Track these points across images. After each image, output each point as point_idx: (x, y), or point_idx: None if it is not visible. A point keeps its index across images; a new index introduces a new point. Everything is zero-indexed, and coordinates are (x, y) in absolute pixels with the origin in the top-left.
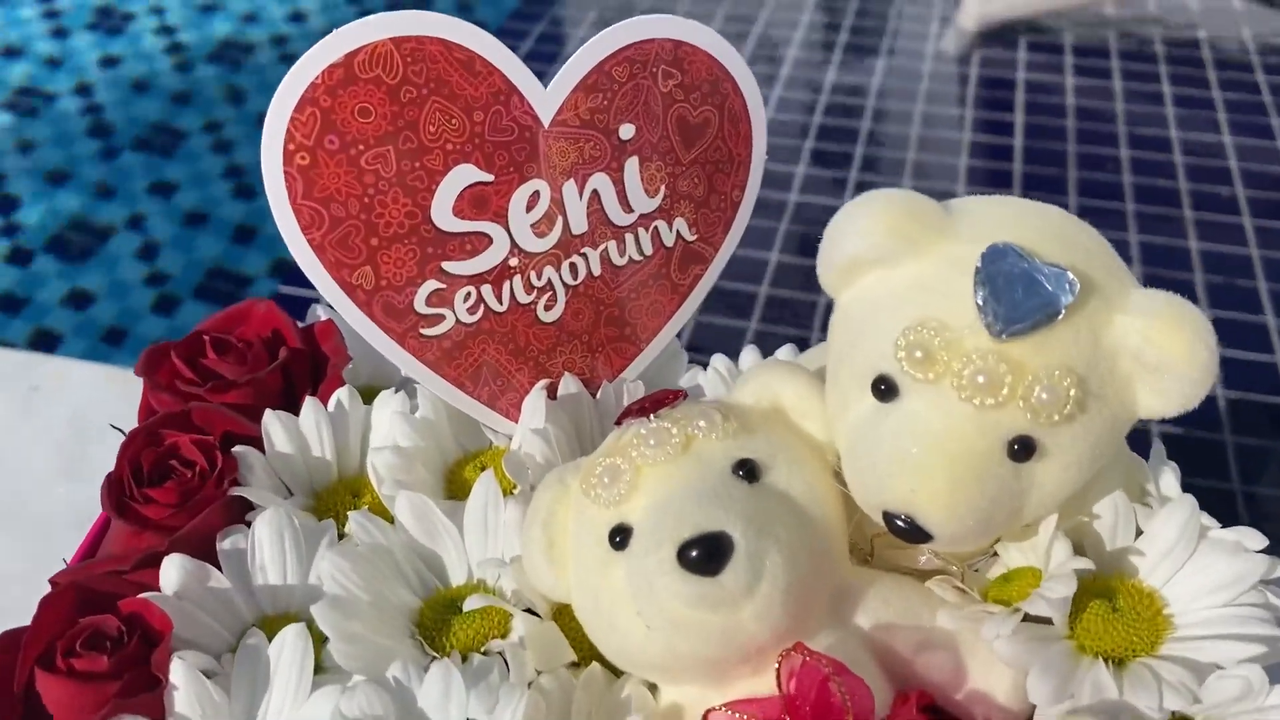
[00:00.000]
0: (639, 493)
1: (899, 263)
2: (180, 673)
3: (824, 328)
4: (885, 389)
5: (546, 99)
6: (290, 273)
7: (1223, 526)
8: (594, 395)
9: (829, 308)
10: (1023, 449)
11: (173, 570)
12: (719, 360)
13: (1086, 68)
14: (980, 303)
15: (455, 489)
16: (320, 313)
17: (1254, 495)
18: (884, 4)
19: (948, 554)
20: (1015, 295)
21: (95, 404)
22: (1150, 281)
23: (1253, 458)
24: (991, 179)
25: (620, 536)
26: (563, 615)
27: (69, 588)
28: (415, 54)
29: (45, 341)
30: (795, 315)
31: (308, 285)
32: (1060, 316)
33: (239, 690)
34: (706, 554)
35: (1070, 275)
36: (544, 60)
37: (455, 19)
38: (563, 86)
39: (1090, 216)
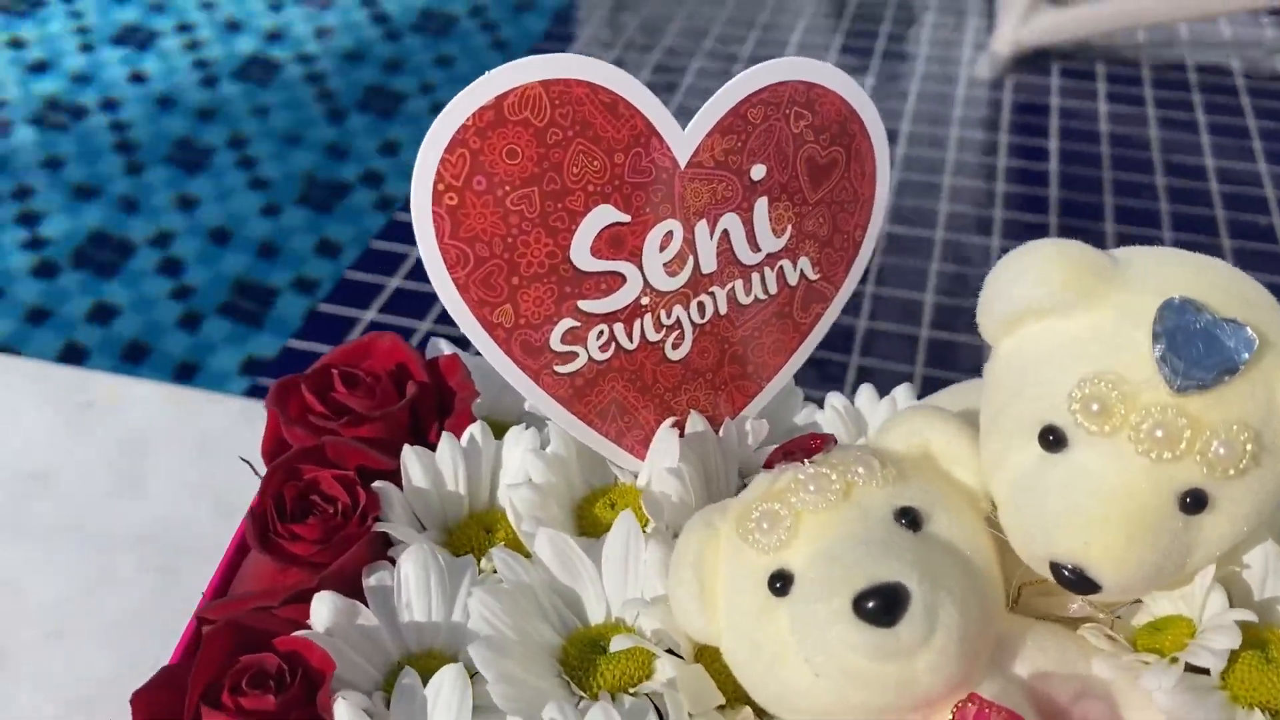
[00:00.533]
0: (800, 539)
1: (1070, 314)
2: (345, 714)
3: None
4: (1054, 440)
5: (684, 141)
6: (334, 291)
7: None
8: (716, 432)
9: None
10: (1195, 502)
11: (324, 608)
12: (835, 398)
13: (1120, 94)
14: (1159, 357)
15: (584, 525)
16: (443, 347)
17: None
18: (918, 29)
19: (1098, 602)
20: (1195, 350)
21: (149, 422)
22: None
23: None
24: (1027, 204)
25: (781, 582)
26: (704, 656)
27: (227, 626)
28: (562, 97)
29: (73, 355)
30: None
31: (350, 303)
32: (1239, 372)
33: None
34: (884, 605)
35: (1248, 331)
36: None
37: (602, 62)
38: (700, 129)
39: (1128, 243)
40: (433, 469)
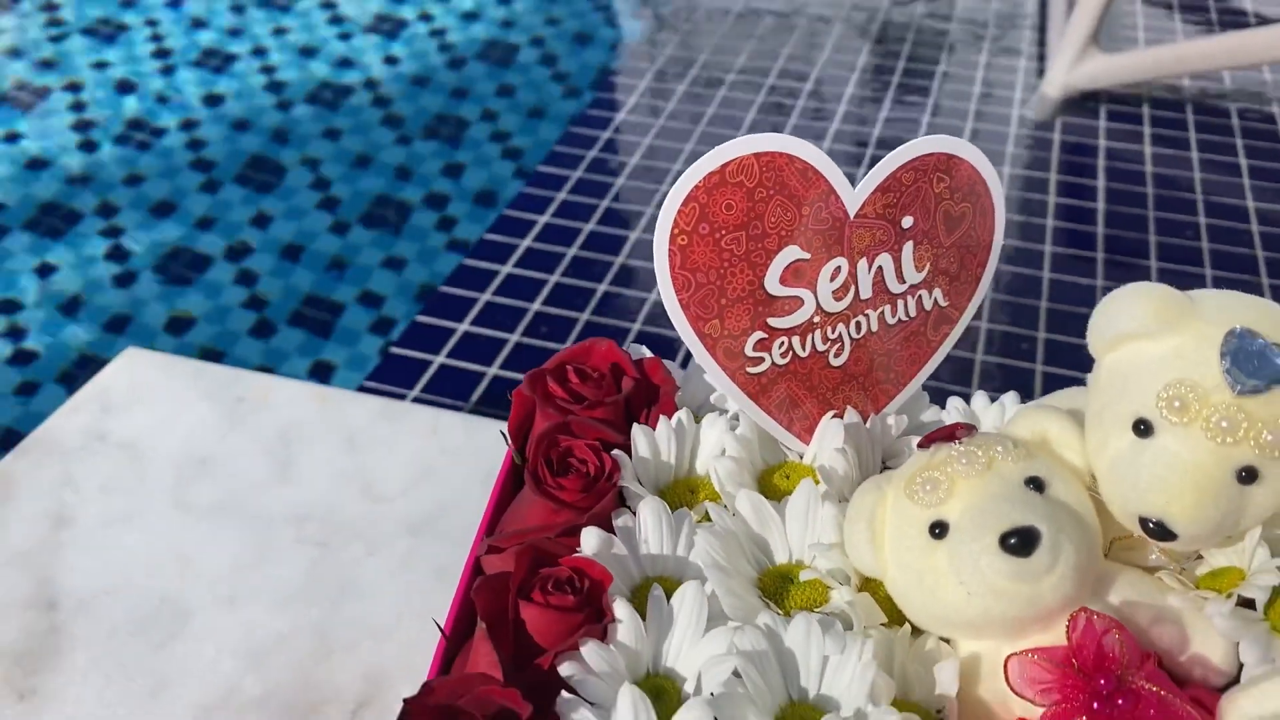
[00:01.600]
0: (954, 498)
1: (1158, 338)
2: (622, 610)
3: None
4: (1144, 429)
5: (854, 198)
6: (429, 302)
7: None
8: (865, 423)
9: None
10: (1248, 476)
11: (592, 539)
12: (955, 401)
13: (1164, 137)
14: (1226, 369)
15: (765, 491)
16: (646, 351)
17: None
18: (972, 71)
19: (1169, 552)
20: (1252, 365)
21: (297, 416)
22: None
23: None
24: (1075, 240)
25: (940, 529)
26: (867, 587)
27: (528, 547)
28: (768, 164)
29: None
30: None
31: (445, 315)
32: None
33: (651, 628)
34: (1022, 542)
35: None
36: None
37: (799, 139)
38: (866, 188)
39: (1170, 279)
40: (653, 443)
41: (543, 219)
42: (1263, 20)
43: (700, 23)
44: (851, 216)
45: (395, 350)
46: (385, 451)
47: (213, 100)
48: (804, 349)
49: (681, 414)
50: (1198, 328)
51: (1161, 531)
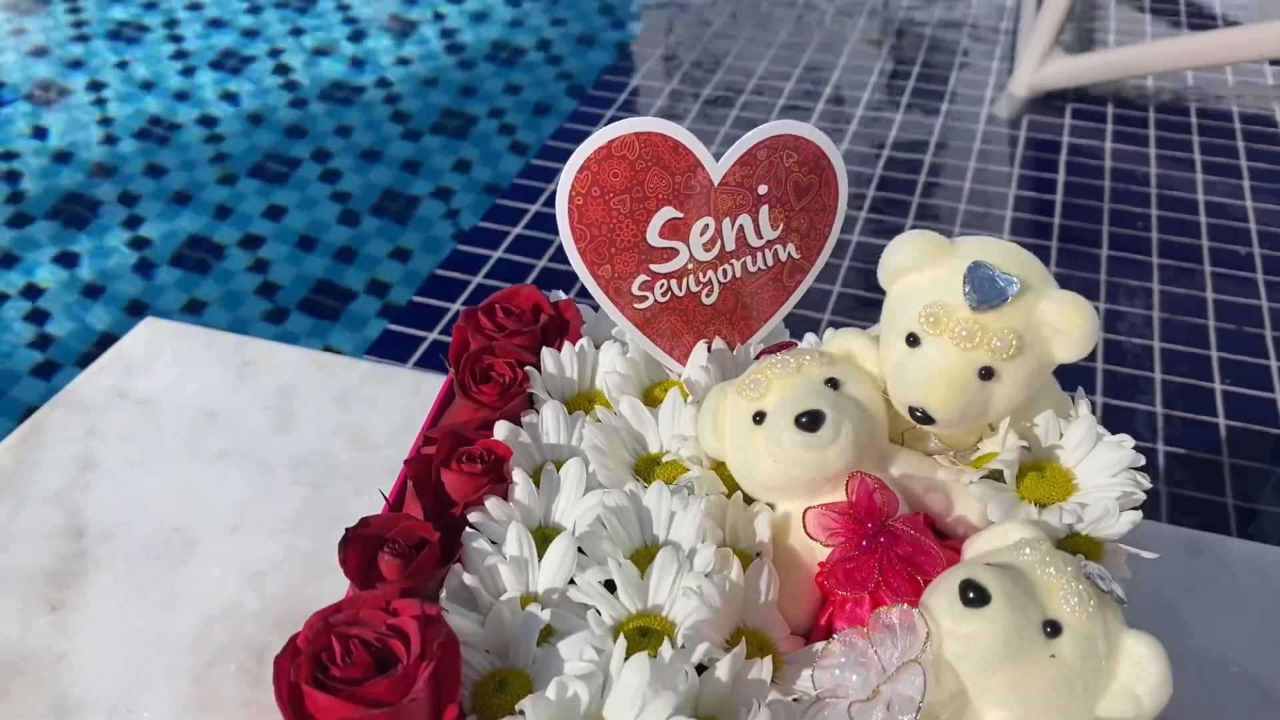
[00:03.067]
0: (771, 394)
1: (924, 271)
2: (519, 476)
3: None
4: (913, 340)
5: (717, 169)
6: (426, 283)
7: (1217, 532)
8: (731, 351)
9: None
10: (987, 373)
11: (502, 428)
12: (809, 337)
13: (1125, 134)
14: (966, 292)
15: (648, 401)
16: (560, 295)
17: (1243, 509)
18: (945, 70)
19: (946, 441)
20: (985, 289)
21: (295, 377)
22: (1168, 324)
23: (1246, 476)
24: (1033, 229)
25: (759, 417)
26: (717, 470)
27: (449, 432)
28: (646, 142)
29: None
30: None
31: (440, 296)
32: (1009, 301)
33: (542, 491)
34: (810, 421)
35: (1015, 279)
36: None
37: (671, 122)
38: (727, 162)
39: (1118, 266)
40: (559, 362)
41: (534, 207)
42: (1229, 22)
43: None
44: (716, 184)
45: (392, 328)
46: (373, 408)
47: (229, 98)
48: (680, 290)
49: (584, 341)
50: (951, 263)
51: (924, 417)
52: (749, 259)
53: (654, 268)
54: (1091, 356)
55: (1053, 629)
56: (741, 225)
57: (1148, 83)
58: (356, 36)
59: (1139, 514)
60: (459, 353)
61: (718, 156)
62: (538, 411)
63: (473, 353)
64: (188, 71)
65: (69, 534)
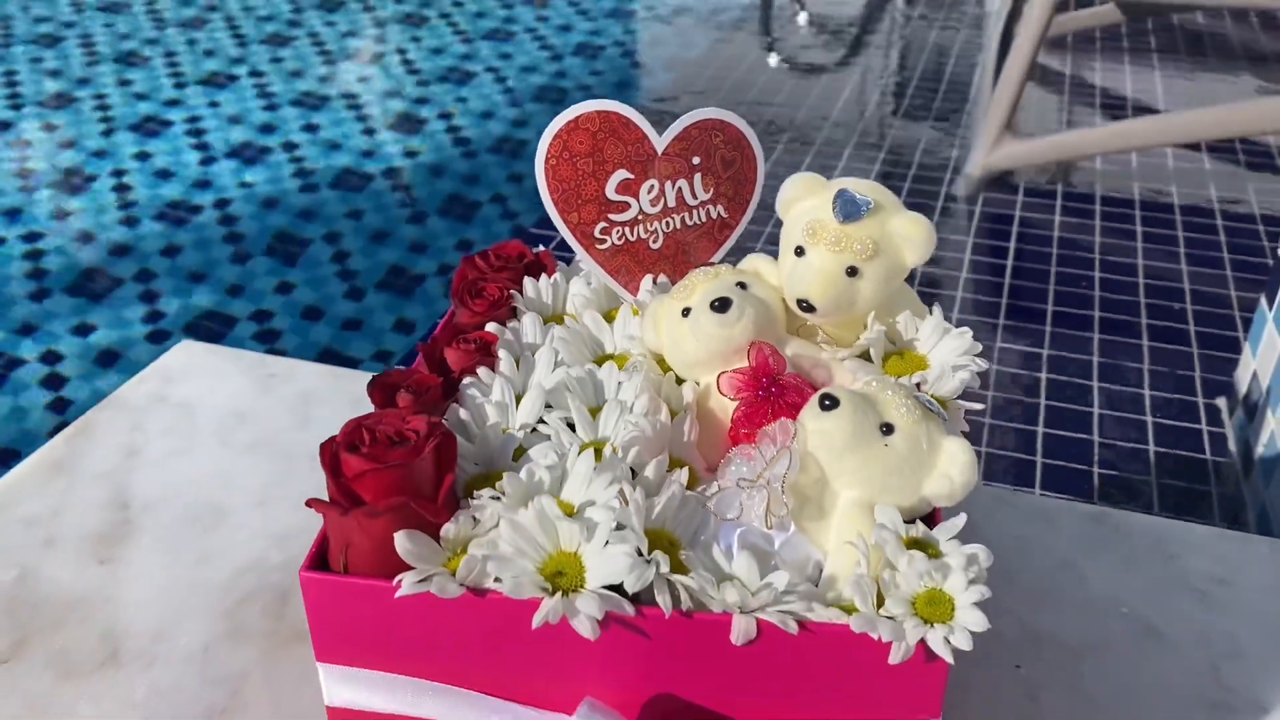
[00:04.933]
0: (695, 294)
1: (805, 200)
2: (503, 354)
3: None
4: (799, 252)
5: (660, 142)
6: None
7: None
8: (672, 284)
9: None
10: (853, 271)
11: (491, 327)
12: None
13: (1073, 209)
14: (834, 209)
15: (607, 319)
16: (542, 248)
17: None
18: (910, 154)
19: (832, 336)
20: (848, 207)
21: (316, 387)
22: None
23: (1168, 493)
24: (984, 288)
25: (686, 311)
26: (657, 362)
27: (452, 328)
28: (604, 118)
29: None
30: None
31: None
32: (865, 215)
33: (522, 369)
34: (721, 305)
35: (871, 200)
36: None
37: (624, 104)
38: (667, 137)
39: (1063, 320)
40: (537, 290)
41: None
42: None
43: None
44: (659, 153)
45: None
46: None
47: (245, 185)
48: (633, 236)
49: (558, 275)
50: (826, 193)
51: (808, 307)
52: (686, 215)
53: (612, 216)
54: (1035, 392)
55: (887, 429)
56: (680, 187)
57: (1095, 164)
58: (368, 132)
59: (967, 374)
60: (459, 282)
61: (660, 132)
62: (520, 321)
63: (469, 280)
64: (206, 162)
65: (115, 506)
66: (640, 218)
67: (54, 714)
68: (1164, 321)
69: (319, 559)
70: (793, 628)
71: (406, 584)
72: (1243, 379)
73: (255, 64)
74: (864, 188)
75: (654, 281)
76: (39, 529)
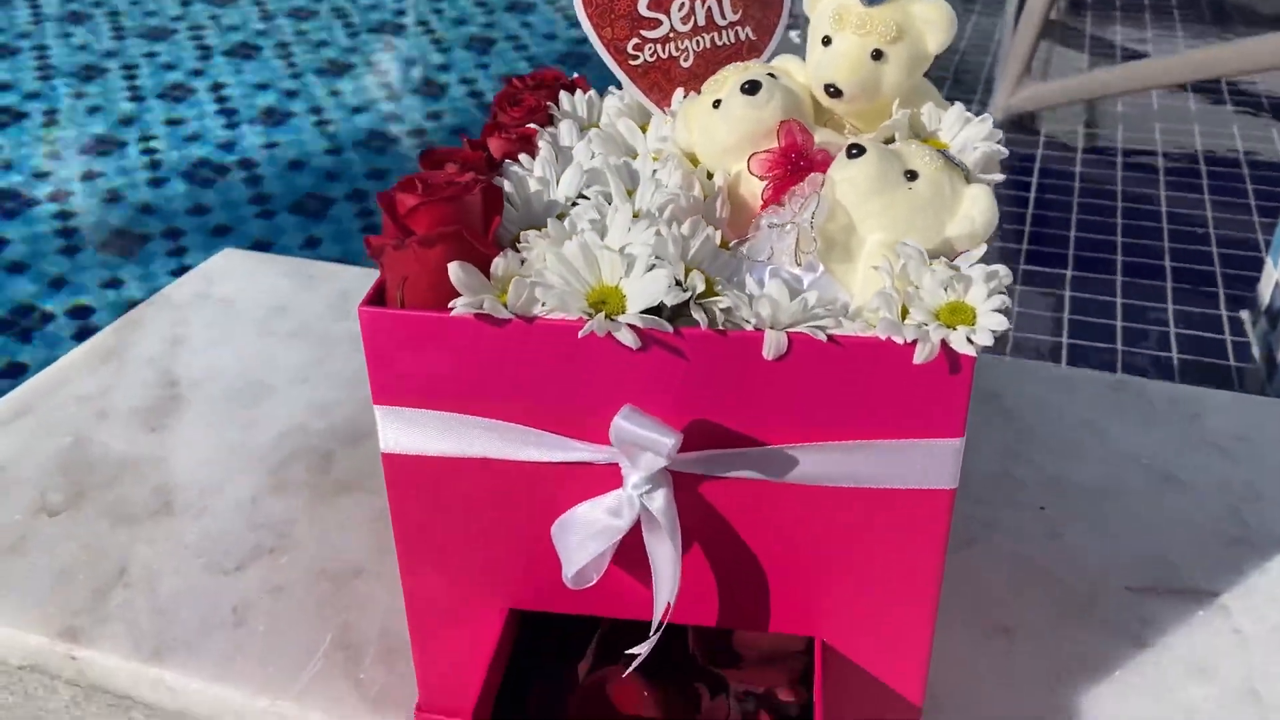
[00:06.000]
0: (726, 86)
1: None
2: (543, 140)
3: None
4: (826, 41)
5: None
6: None
7: None
8: None
9: None
10: (877, 55)
11: (533, 128)
12: None
13: (1092, 148)
14: None
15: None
16: (577, 74)
17: None
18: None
19: (859, 128)
20: None
21: (355, 286)
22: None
23: None
24: (1005, 219)
25: (717, 103)
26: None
27: (495, 124)
28: None
29: None
30: None
31: None
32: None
33: (560, 162)
34: (751, 87)
35: None
36: None
37: None
38: None
39: (1085, 263)
40: (573, 101)
41: None
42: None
43: None
44: None
45: None
46: None
47: (271, 146)
48: (664, 53)
49: (591, 93)
50: None
51: (835, 91)
52: (715, 35)
53: (644, 33)
54: (1057, 330)
55: (911, 175)
56: (710, 6)
57: (1117, 106)
58: (393, 97)
59: (990, 148)
60: (498, 98)
61: None
62: (557, 128)
63: (508, 92)
64: (231, 127)
65: (163, 384)
66: (671, 35)
67: (112, 554)
68: (1186, 245)
69: (377, 298)
70: (821, 336)
71: (459, 306)
72: (1265, 291)
73: (280, 37)
74: None
75: (684, 96)
76: (91, 404)
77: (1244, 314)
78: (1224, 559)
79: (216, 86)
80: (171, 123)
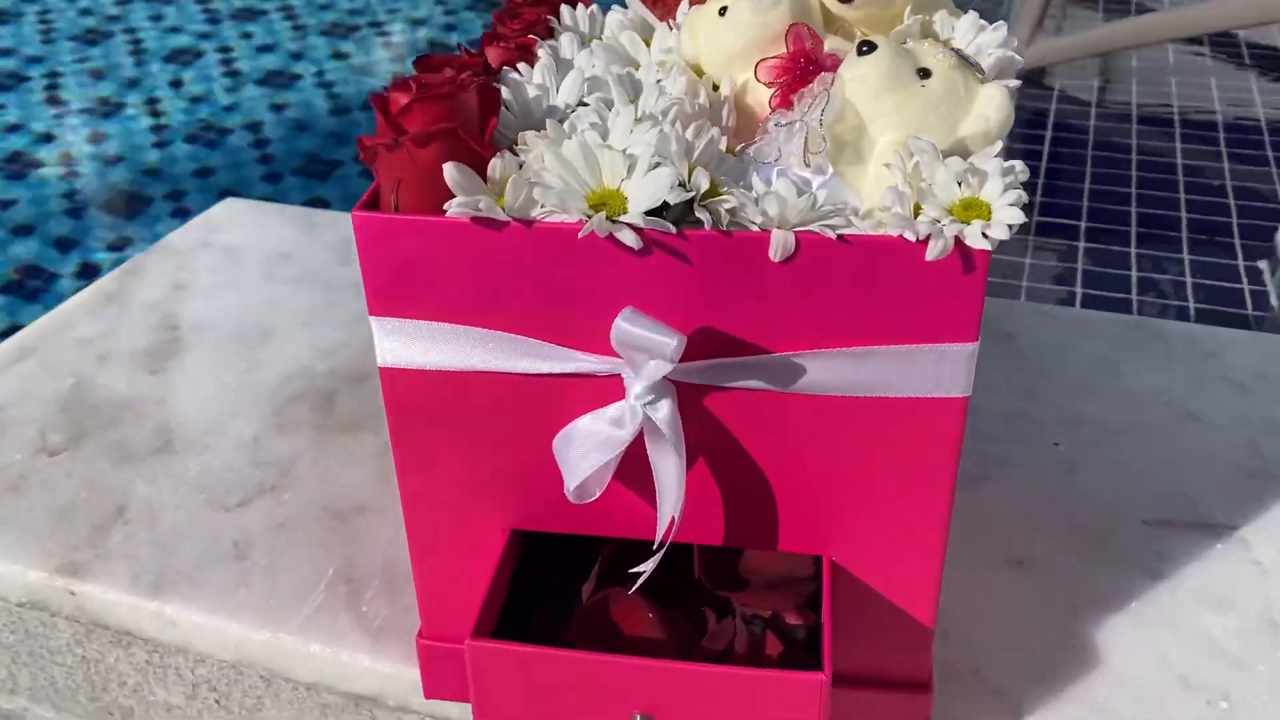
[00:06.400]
0: None
1: None
2: (542, 52)
3: None
4: None
5: None
6: None
7: None
8: None
9: None
10: None
11: (535, 42)
12: None
13: (1106, 100)
14: None
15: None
16: None
17: None
18: None
19: (865, 33)
20: None
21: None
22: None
23: None
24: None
25: (723, 10)
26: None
27: (493, 35)
28: None
29: None
30: None
31: None
32: None
33: (560, 71)
34: None
35: None
36: None
37: None
38: None
39: (1100, 215)
40: (574, 15)
41: None
42: None
43: None
44: None
45: None
46: None
47: (277, 108)
48: None
49: (594, 7)
50: None
51: None
52: None
53: None
54: (1070, 281)
55: (924, 74)
56: None
57: (1132, 60)
58: (398, 59)
59: (1004, 52)
60: (497, 14)
61: None
62: (558, 40)
63: (508, 7)
64: (234, 89)
65: (165, 328)
66: None
67: (113, 492)
68: (1203, 197)
69: (371, 203)
70: (831, 235)
71: (454, 207)
72: None
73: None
74: None
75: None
76: (92, 347)
77: (1262, 264)
78: (1243, 492)
79: (222, 50)
80: (176, 84)
